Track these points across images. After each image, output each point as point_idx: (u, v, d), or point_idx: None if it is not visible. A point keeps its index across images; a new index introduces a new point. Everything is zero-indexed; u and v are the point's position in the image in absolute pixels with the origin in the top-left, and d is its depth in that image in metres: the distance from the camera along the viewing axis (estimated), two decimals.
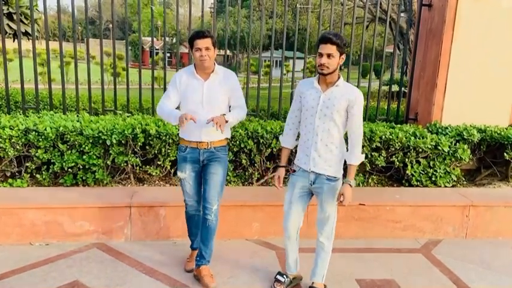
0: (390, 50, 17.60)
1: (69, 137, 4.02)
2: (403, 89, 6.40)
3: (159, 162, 4.24)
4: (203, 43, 2.94)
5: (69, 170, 4.08)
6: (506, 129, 4.81)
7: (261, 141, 4.32)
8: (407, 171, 4.55)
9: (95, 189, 4.12)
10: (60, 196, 3.88)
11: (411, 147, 4.48)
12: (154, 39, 5.18)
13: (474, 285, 3.37)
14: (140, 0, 4.77)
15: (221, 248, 3.64)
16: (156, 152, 4.19)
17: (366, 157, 4.42)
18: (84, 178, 4.12)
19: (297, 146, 3.05)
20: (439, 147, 4.47)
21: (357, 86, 4.16)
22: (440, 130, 4.81)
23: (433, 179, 4.58)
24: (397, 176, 4.76)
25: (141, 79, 5.05)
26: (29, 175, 4.17)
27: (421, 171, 4.57)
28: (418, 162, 4.58)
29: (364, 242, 4.04)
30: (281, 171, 3.07)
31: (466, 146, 4.57)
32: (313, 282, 3.07)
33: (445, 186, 4.61)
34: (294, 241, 3.11)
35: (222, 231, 3.63)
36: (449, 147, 4.52)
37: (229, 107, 3.18)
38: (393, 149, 4.49)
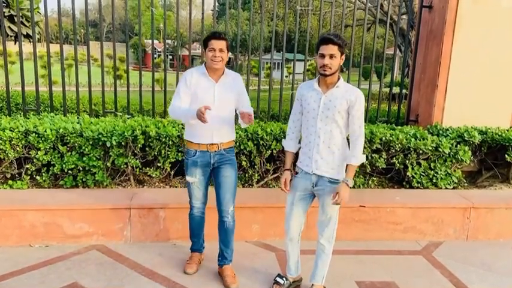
0: (391, 51, 17.59)
1: (69, 138, 4.03)
2: (404, 90, 6.38)
3: (159, 164, 4.24)
4: (218, 44, 2.93)
5: (69, 171, 4.08)
6: (508, 130, 4.79)
7: (261, 143, 4.31)
8: (407, 173, 4.54)
9: (94, 191, 4.11)
10: (60, 198, 3.88)
11: (412, 149, 4.47)
12: (157, 41, 5.18)
13: (475, 287, 3.36)
14: (141, 3, 4.78)
15: None
16: (156, 153, 4.19)
17: (366, 159, 4.41)
18: (84, 180, 4.12)
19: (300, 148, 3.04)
20: (440, 149, 4.46)
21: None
22: (441, 132, 4.80)
23: (434, 180, 4.57)
24: (397, 178, 4.74)
25: (142, 81, 5.06)
26: (29, 177, 4.17)
27: (422, 173, 4.56)
28: (419, 163, 4.56)
29: (364, 243, 4.03)
30: (287, 175, 3.03)
31: (467, 148, 4.55)
32: (312, 284, 3.05)
33: (446, 188, 4.60)
34: (296, 243, 3.10)
35: None
36: (450, 148, 4.50)
37: (235, 109, 3.17)
38: (394, 150, 4.48)
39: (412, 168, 4.53)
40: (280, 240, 3.82)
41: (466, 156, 4.52)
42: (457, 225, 4.19)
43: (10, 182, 4.12)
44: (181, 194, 4.09)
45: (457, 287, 3.35)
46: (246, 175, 4.47)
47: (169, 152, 4.20)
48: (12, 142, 4.00)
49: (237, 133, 4.24)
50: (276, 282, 3.16)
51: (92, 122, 4.30)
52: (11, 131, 4.01)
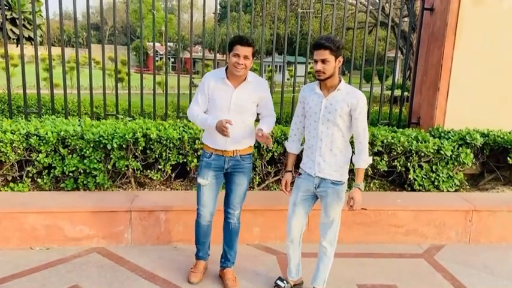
0: (393, 54, 17.58)
1: (70, 141, 4.03)
2: (405, 93, 6.37)
3: (159, 167, 4.24)
4: (244, 51, 2.81)
5: (70, 174, 4.08)
6: (510, 133, 4.77)
7: (261, 146, 4.31)
8: (409, 176, 4.52)
9: (95, 193, 4.11)
10: (60, 200, 3.88)
11: (413, 152, 4.45)
12: (159, 44, 5.19)
13: None
14: (142, 6, 4.79)
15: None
16: (156, 156, 4.19)
17: None
18: (85, 182, 4.12)
19: (303, 150, 3.04)
20: (442, 152, 4.44)
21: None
22: (442, 134, 4.78)
23: (436, 183, 4.55)
24: (399, 181, 4.72)
25: (143, 83, 5.06)
26: (30, 179, 4.17)
27: (424, 176, 4.54)
28: (421, 166, 4.55)
29: (366, 246, 4.01)
30: (288, 176, 3.05)
31: (468, 150, 4.53)
32: (314, 287, 3.04)
33: (448, 191, 4.58)
34: (297, 245, 3.09)
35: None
36: (452, 151, 4.49)
37: (258, 114, 3.12)
38: (395, 153, 4.47)
39: (414, 171, 4.52)
40: (281, 243, 3.81)
41: (468, 159, 4.50)
42: (459, 228, 4.17)
43: (11, 184, 4.12)
44: (183, 197, 4.10)
45: None
46: None
47: (170, 155, 4.19)
48: (14, 144, 4.00)
49: None
50: (277, 285, 3.15)
51: (93, 125, 4.30)
52: (12, 133, 4.01)
